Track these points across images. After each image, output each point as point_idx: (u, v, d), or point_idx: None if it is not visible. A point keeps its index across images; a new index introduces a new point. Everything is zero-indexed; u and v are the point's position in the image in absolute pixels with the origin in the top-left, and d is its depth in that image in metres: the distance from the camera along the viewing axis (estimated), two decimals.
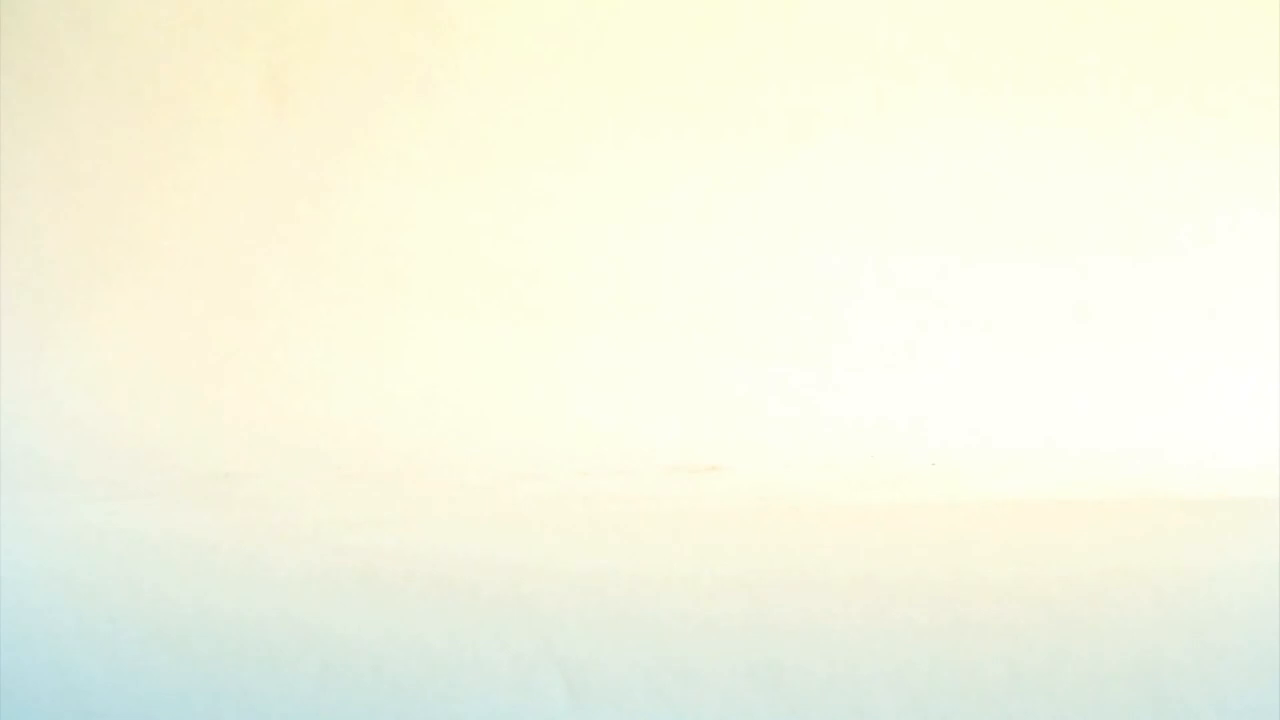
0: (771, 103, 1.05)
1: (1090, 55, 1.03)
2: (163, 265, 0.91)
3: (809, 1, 1.02)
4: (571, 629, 0.30)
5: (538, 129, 0.97)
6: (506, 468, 0.75)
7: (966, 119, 1.03)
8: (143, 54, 0.83)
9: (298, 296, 0.92)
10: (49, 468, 0.74)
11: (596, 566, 0.34)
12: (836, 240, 1.02)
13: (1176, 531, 0.41)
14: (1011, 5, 1.04)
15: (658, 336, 0.85)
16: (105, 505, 0.54)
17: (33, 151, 0.91)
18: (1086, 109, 1.03)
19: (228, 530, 0.41)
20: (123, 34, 0.82)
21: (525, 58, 0.97)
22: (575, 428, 0.71)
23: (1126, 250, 1.03)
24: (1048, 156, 1.03)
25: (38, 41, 0.68)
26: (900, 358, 0.99)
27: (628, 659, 0.29)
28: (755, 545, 0.39)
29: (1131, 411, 0.96)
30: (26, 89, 0.88)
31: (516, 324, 0.69)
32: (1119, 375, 0.99)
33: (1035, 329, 1.01)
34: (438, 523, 0.45)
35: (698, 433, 0.78)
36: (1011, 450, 0.87)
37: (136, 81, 0.84)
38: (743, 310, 0.79)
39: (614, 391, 0.79)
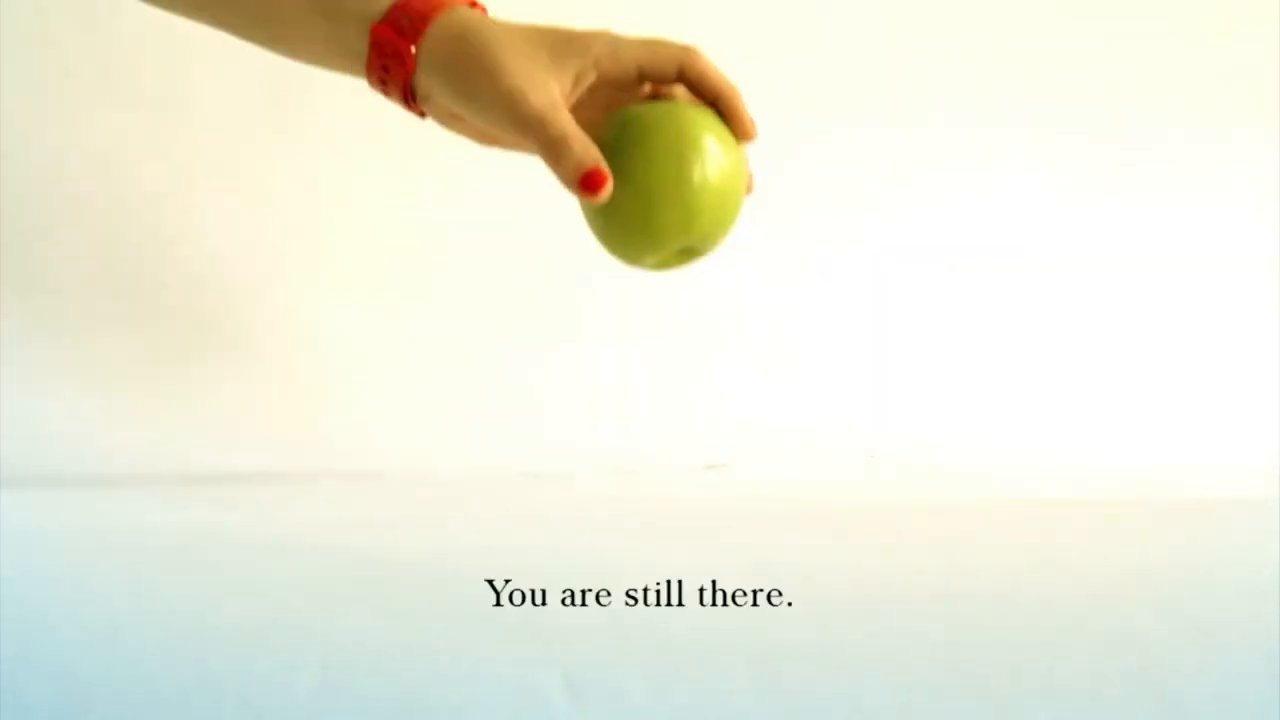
0: (771, 105, 1.05)
1: (1089, 59, 1.03)
2: (163, 264, 0.91)
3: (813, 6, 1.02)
4: (571, 628, 0.30)
5: None
6: (506, 467, 0.75)
7: (966, 124, 1.03)
8: (143, 54, 0.83)
9: (300, 295, 0.92)
10: (49, 467, 0.74)
11: (595, 565, 0.34)
12: (837, 241, 1.02)
13: (1176, 531, 0.41)
14: (1009, 19, 1.04)
15: (658, 336, 0.85)
16: (106, 505, 0.54)
17: (33, 152, 0.91)
18: (1083, 114, 1.03)
19: (228, 530, 0.41)
20: (123, 34, 0.82)
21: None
22: (575, 427, 0.71)
23: (1126, 250, 1.03)
24: (1047, 158, 1.03)
25: (38, 41, 0.68)
26: (901, 358, 0.99)
27: (627, 658, 0.29)
28: (755, 545, 0.39)
29: (1131, 412, 0.96)
30: (26, 89, 0.88)
31: (517, 322, 0.69)
32: (1119, 376, 0.99)
33: (1036, 329, 1.01)
34: (438, 522, 0.45)
35: (698, 433, 0.78)
36: (1012, 451, 0.87)
37: (137, 80, 0.84)
38: (743, 310, 0.79)
39: (614, 390, 0.79)
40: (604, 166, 0.60)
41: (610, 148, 0.63)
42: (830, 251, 1.02)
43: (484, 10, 0.66)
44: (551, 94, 0.62)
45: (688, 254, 0.66)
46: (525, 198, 0.73)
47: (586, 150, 0.61)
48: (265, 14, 0.64)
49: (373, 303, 0.92)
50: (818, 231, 1.02)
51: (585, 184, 0.60)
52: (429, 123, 0.71)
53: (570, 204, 0.86)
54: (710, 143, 0.64)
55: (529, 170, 0.74)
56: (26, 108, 0.90)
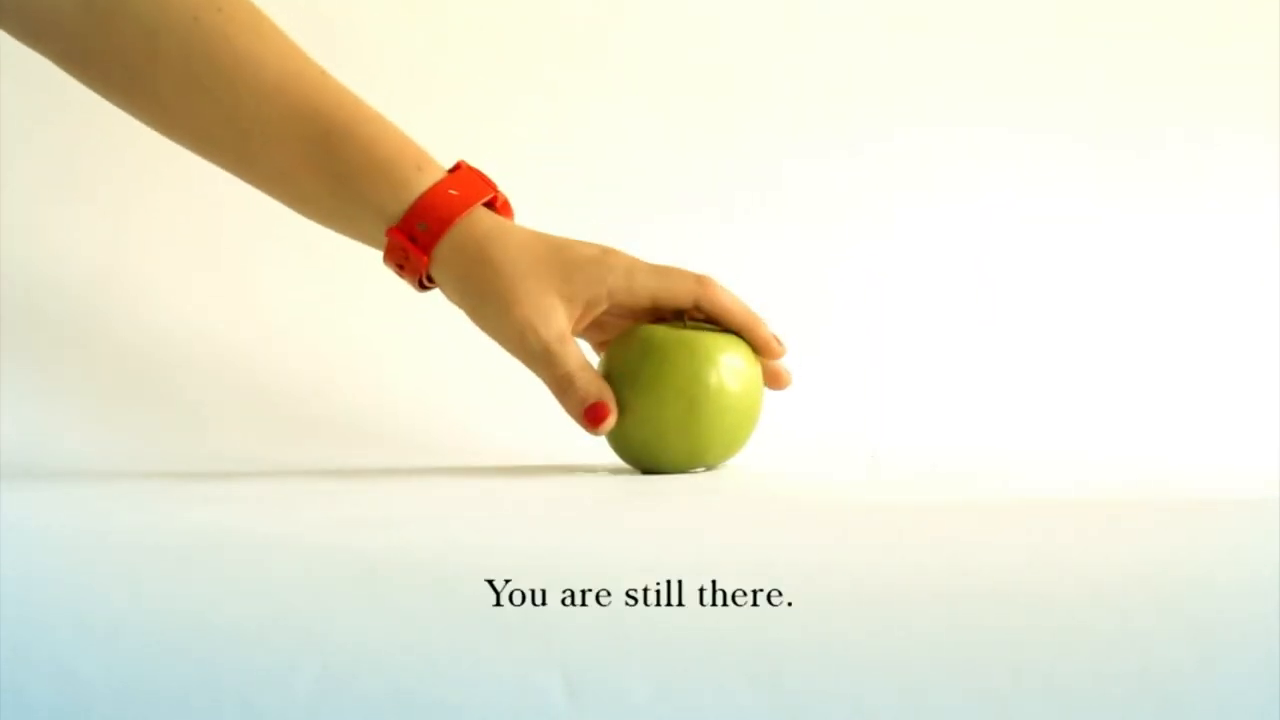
0: (774, 105, 1.05)
1: (1088, 60, 1.03)
2: (163, 260, 0.91)
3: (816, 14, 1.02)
4: (571, 628, 0.30)
5: (541, 128, 0.97)
6: (504, 466, 0.75)
7: (967, 125, 1.03)
8: None
9: (300, 292, 0.92)
10: (50, 466, 0.74)
11: (595, 565, 0.34)
12: (837, 238, 1.02)
13: (1176, 531, 0.41)
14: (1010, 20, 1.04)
15: None
16: (106, 504, 0.54)
17: (34, 151, 0.91)
18: (1082, 116, 1.03)
19: (228, 529, 0.41)
20: None
21: (533, 58, 0.97)
22: (576, 426, 0.71)
23: (1127, 250, 1.03)
24: (1046, 154, 1.03)
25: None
26: (902, 358, 0.99)
27: (627, 658, 0.29)
28: (755, 545, 0.39)
29: (1131, 412, 0.96)
30: (26, 88, 0.88)
31: None
32: (1119, 376, 0.99)
33: (1036, 330, 1.01)
34: (438, 522, 0.45)
35: None
36: (1012, 451, 0.87)
37: None
38: None
39: None
40: (608, 399, 0.62)
41: (625, 373, 0.64)
42: (830, 251, 1.02)
43: (506, 204, 0.66)
44: (559, 325, 0.63)
45: (694, 468, 0.68)
46: (528, 194, 0.73)
47: (589, 386, 0.62)
48: (287, 186, 0.65)
49: (373, 299, 0.92)
50: (818, 231, 1.02)
51: (590, 417, 0.62)
52: (431, 120, 0.70)
53: (568, 199, 0.87)
54: (726, 377, 0.65)
55: (534, 166, 0.74)
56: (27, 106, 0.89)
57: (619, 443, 0.68)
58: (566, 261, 0.64)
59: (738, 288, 0.71)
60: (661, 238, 0.91)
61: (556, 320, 0.63)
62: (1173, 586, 0.33)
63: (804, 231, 1.02)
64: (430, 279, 0.67)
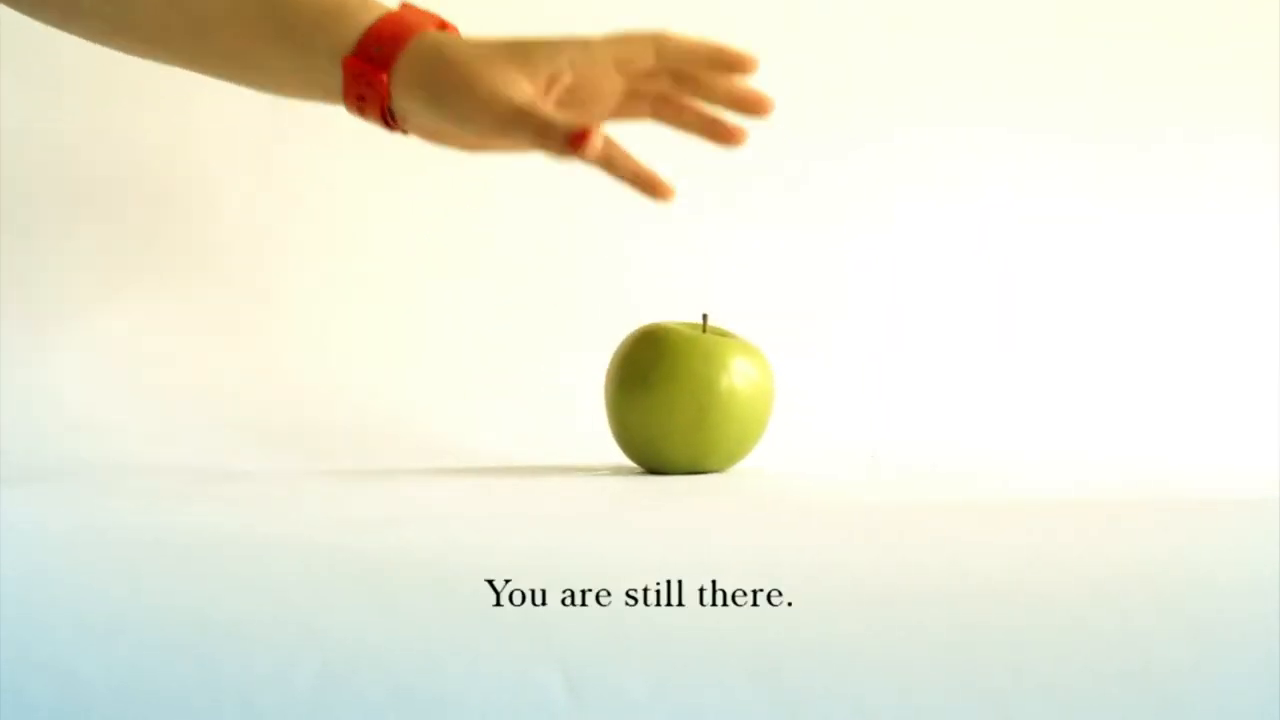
0: (777, 101, 1.05)
1: (1087, 60, 1.03)
2: (163, 261, 0.91)
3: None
4: (571, 628, 0.30)
5: None
6: (504, 466, 0.75)
7: (967, 125, 1.03)
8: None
9: (302, 292, 0.92)
10: (50, 466, 0.74)
11: (595, 565, 0.34)
12: (837, 238, 1.02)
13: (1177, 531, 0.41)
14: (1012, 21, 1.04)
15: None
16: (106, 502, 0.54)
17: (34, 149, 0.90)
18: (1082, 116, 1.03)
19: (228, 528, 0.41)
20: None
21: None
22: (574, 425, 0.71)
23: (1125, 247, 1.03)
24: (1046, 154, 1.03)
25: (38, 41, 0.68)
26: (902, 358, 0.99)
27: (627, 658, 0.29)
28: (755, 545, 0.39)
29: (1131, 412, 0.96)
30: (26, 87, 0.88)
31: (517, 321, 0.69)
32: (1119, 376, 0.99)
33: (1036, 329, 1.01)
34: (438, 522, 0.45)
35: None
36: (1012, 451, 0.87)
37: (139, 77, 0.84)
38: (743, 310, 0.79)
39: None
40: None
41: (637, 372, 0.65)
42: (830, 252, 1.02)
43: (455, 31, 0.66)
44: (526, 90, 0.62)
45: (698, 471, 0.68)
46: (530, 194, 0.73)
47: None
48: (235, 58, 0.64)
49: (374, 299, 0.92)
50: (818, 232, 1.02)
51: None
52: None
53: (574, 201, 0.86)
54: (736, 383, 0.65)
55: (535, 167, 0.74)
56: (29, 96, 0.89)
57: (626, 441, 0.69)
58: (525, 46, 0.64)
59: (738, 287, 0.71)
60: (662, 238, 0.91)
61: (522, 87, 0.62)
62: (1173, 586, 0.33)
63: (804, 232, 1.02)
64: (393, 115, 0.66)
